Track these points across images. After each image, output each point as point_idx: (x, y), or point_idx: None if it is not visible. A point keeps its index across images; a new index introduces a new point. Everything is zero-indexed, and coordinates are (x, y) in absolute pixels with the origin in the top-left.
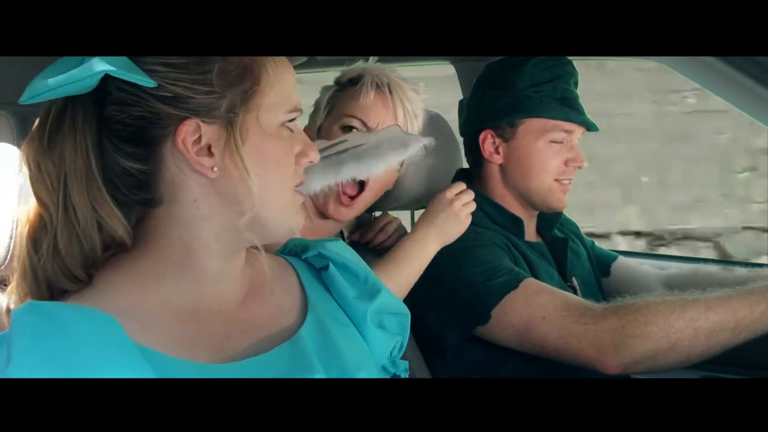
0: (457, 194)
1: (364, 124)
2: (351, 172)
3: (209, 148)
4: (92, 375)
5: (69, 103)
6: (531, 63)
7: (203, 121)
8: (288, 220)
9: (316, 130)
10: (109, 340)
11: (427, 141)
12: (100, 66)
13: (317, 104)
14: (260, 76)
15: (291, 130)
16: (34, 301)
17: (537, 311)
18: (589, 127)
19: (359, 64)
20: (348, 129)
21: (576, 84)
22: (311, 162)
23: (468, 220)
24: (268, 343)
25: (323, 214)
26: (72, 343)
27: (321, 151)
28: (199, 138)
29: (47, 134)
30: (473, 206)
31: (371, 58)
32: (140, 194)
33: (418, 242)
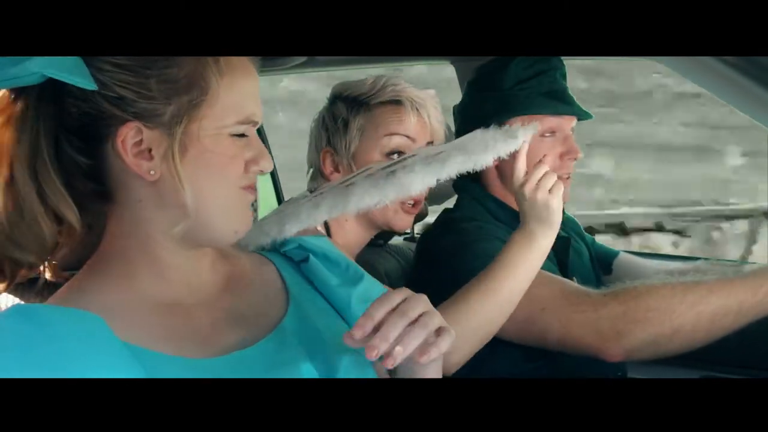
0: (538, 182)
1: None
2: (457, 166)
3: (150, 151)
4: (80, 375)
5: (28, 88)
6: (514, 62)
7: (145, 126)
8: (232, 221)
9: (351, 156)
10: (97, 339)
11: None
12: (36, 66)
13: (341, 128)
14: (208, 86)
15: (243, 138)
16: (20, 304)
17: (535, 303)
18: (581, 116)
19: (375, 80)
20: (393, 152)
21: (564, 76)
22: (261, 171)
23: (559, 203)
24: (254, 334)
25: (374, 224)
26: (58, 344)
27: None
28: (141, 141)
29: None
30: (561, 186)
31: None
32: (92, 185)
33: (525, 241)
